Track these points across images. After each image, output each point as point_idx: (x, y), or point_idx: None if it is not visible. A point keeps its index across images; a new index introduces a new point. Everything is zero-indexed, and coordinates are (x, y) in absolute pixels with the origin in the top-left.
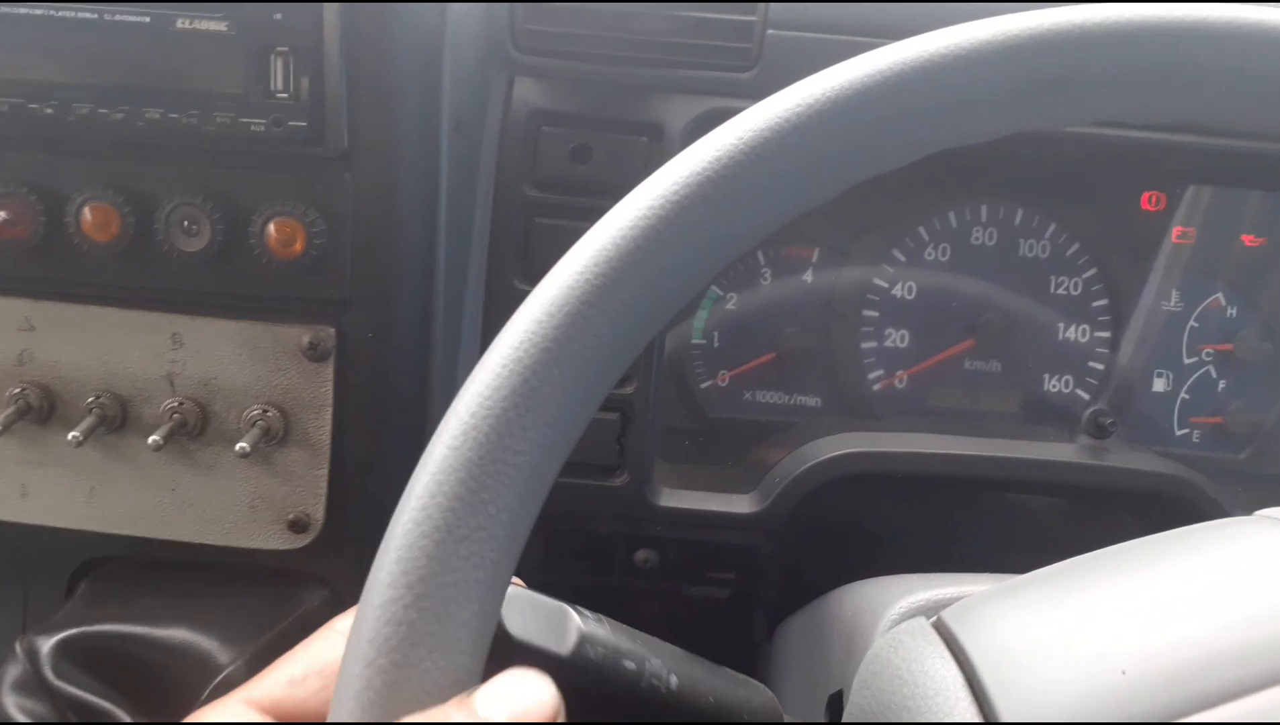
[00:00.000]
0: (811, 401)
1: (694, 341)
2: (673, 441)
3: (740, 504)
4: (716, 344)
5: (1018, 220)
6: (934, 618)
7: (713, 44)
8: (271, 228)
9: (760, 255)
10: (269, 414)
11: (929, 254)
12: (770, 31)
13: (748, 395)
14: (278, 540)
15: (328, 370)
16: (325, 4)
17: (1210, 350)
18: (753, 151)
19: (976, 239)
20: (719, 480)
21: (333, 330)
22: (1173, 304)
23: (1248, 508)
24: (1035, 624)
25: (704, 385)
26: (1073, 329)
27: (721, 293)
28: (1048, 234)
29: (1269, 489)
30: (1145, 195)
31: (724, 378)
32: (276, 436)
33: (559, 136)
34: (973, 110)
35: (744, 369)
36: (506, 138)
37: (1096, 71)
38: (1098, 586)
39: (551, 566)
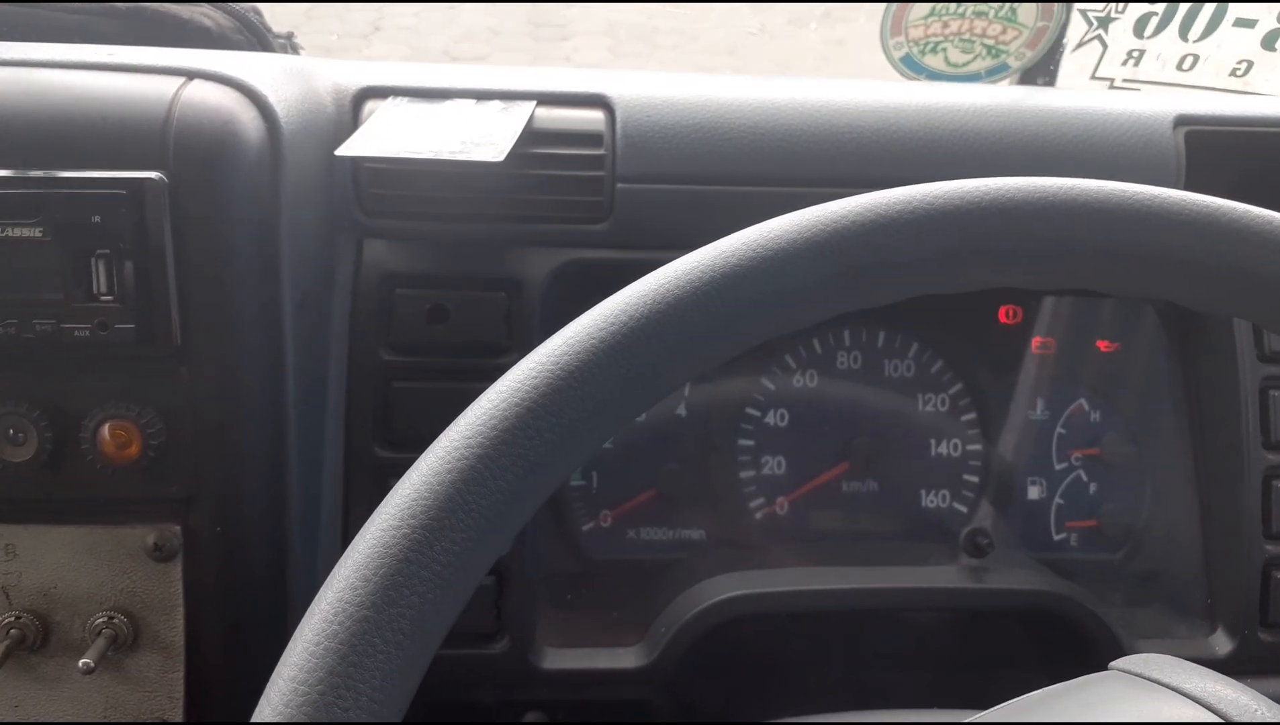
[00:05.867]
0: (696, 534)
1: (573, 483)
2: (556, 590)
3: (628, 658)
4: (596, 484)
5: (880, 342)
6: None
7: (563, 199)
8: (105, 432)
9: None
10: (115, 620)
11: (797, 381)
12: (620, 185)
13: (631, 534)
14: None
15: (175, 570)
16: (149, 198)
17: (1079, 455)
18: (571, 374)
19: (842, 363)
20: (606, 630)
21: (178, 528)
22: (1039, 412)
23: (1126, 606)
24: None
25: (586, 527)
26: (944, 444)
27: None
28: (911, 353)
29: (1146, 587)
30: (1002, 309)
31: (606, 518)
32: (125, 642)
33: (414, 298)
34: (801, 301)
35: (626, 508)
36: (358, 302)
37: (915, 255)
38: None
39: None
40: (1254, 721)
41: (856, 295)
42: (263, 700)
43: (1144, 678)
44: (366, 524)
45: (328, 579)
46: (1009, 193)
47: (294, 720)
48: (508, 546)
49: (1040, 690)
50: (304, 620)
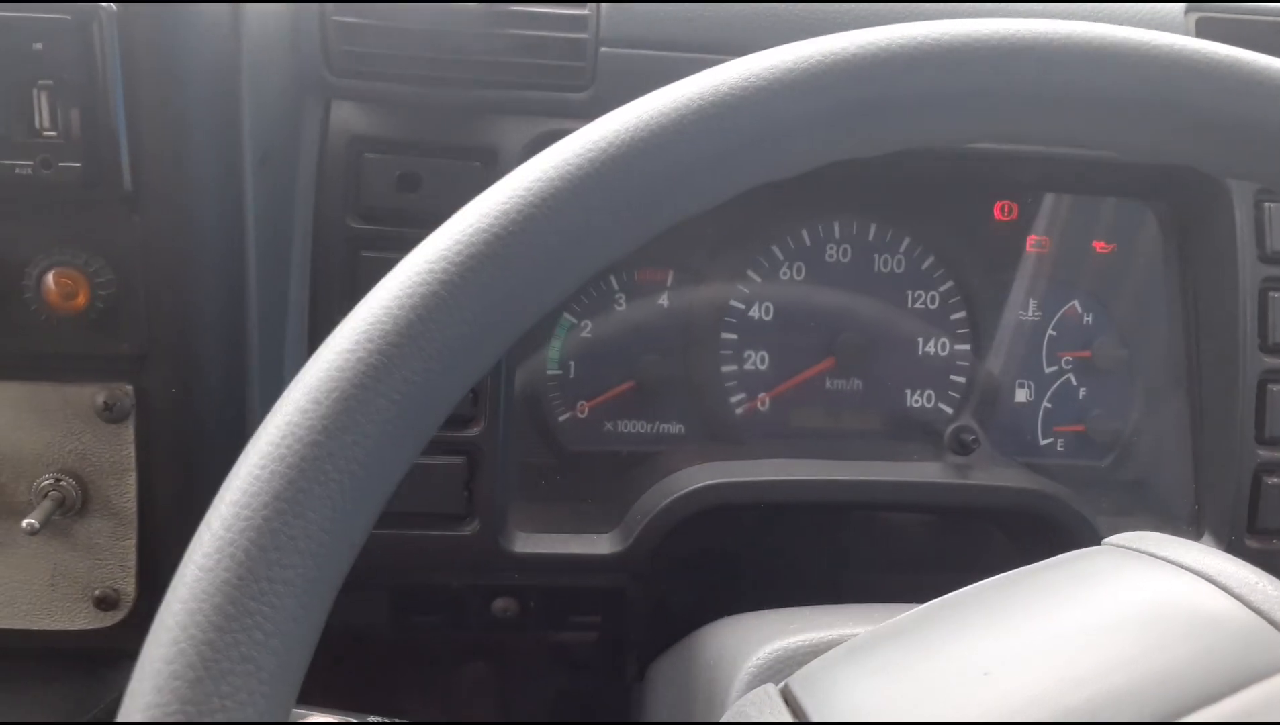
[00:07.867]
0: (674, 429)
1: (549, 372)
2: (530, 480)
3: (601, 545)
4: (573, 374)
5: (871, 235)
6: (782, 684)
7: (545, 63)
8: (50, 280)
9: (613, 279)
10: (63, 483)
11: (784, 273)
12: (603, 50)
13: (608, 426)
14: (84, 619)
15: (127, 431)
16: (96, 28)
17: (1069, 358)
18: (545, 202)
19: (830, 256)
20: (580, 519)
21: (130, 388)
22: (1030, 313)
23: (1112, 514)
24: (883, 691)
25: (562, 418)
26: (932, 343)
27: (575, 320)
28: (902, 248)
29: (1131, 495)
30: (997, 205)
31: (583, 409)
32: (74, 507)
33: (383, 164)
34: (789, 141)
35: (603, 399)
36: (325, 166)
37: (910, 94)
38: (947, 644)
39: (401, 623)
40: (1255, 593)
41: (854, 136)
42: (202, 526)
43: (1139, 552)
44: (319, 350)
45: (275, 405)
46: (1021, 34)
47: (236, 545)
48: (472, 383)
49: (1031, 565)
50: (249, 446)
